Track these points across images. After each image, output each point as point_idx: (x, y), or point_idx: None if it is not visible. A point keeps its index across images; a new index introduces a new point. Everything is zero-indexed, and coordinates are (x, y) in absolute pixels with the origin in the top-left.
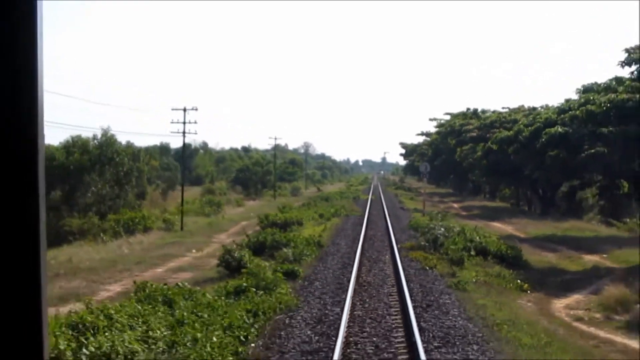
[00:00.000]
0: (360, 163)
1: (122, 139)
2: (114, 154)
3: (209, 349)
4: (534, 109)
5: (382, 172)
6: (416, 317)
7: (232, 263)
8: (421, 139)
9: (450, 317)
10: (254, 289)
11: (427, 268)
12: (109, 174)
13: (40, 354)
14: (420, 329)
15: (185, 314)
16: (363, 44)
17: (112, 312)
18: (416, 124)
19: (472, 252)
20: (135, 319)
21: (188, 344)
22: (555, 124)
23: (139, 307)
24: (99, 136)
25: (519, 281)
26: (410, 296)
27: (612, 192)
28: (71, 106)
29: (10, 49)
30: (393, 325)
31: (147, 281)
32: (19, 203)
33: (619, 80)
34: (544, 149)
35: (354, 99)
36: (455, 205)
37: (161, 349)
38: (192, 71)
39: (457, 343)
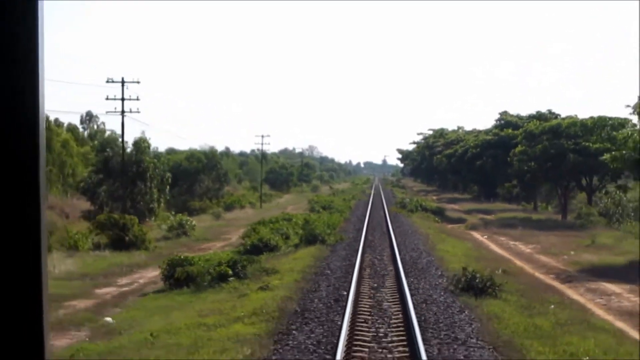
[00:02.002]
0: (362, 165)
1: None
2: (216, 162)
3: (333, 218)
4: (480, 131)
5: (384, 174)
6: (390, 221)
7: (313, 210)
8: (414, 145)
9: (401, 220)
10: (337, 212)
11: (398, 213)
12: (213, 174)
13: (41, 355)
14: (391, 221)
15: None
16: (364, 48)
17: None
18: (415, 126)
19: (419, 209)
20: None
21: (322, 217)
22: (474, 147)
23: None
24: (207, 149)
25: (436, 219)
26: (390, 218)
27: (517, 185)
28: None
29: (11, 49)
30: (382, 222)
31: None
32: (20, 203)
33: (495, 127)
34: (469, 160)
35: (356, 102)
36: (434, 197)
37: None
38: (198, 73)
39: (400, 223)
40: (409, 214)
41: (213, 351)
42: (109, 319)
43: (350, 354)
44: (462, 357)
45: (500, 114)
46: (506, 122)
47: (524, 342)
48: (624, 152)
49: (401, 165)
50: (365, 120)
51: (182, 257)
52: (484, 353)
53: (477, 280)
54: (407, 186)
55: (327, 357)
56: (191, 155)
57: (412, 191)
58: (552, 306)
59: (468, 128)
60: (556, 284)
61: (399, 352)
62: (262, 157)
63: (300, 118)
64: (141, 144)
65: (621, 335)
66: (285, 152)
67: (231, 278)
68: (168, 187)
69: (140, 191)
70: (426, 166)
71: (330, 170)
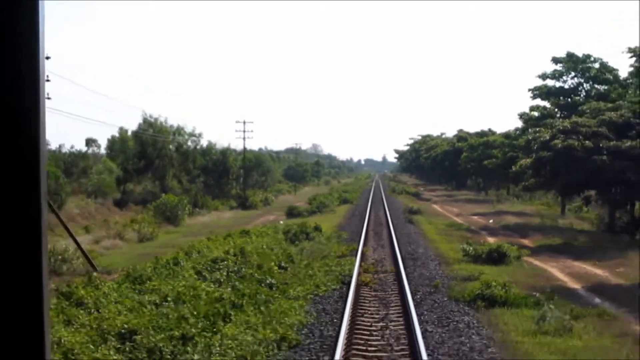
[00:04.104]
0: (363, 162)
1: None
2: (262, 162)
3: (352, 195)
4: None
5: (383, 170)
6: (385, 198)
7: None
8: (407, 147)
9: (392, 199)
10: (353, 193)
11: (390, 195)
12: (260, 170)
13: (42, 355)
14: (385, 197)
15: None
16: (366, 50)
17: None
18: (413, 123)
19: (404, 192)
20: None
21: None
22: (441, 153)
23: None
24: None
25: (412, 198)
26: (385, 198)
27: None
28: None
29: (13, 49)
30: (380, 195)
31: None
32: (21, 201)
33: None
34: (439, 162)
35: (357, 101)
36: (421, 188)
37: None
38: (199, 72)
39: (390, 200)
40: (397, 195)
41: (332, 217)
42: (281, 222)
43: (370, 219)
44: (400, 217)
45: (457, 131)
46: (460, 136)
47: (420, 221)
48: (493, 159)
49: (398, 163)
50: (366, 118)
51: (294, 205)
52: (405, 222)
53: (413, 209)
54: (401, 180)
55: (364, 219)
56: (244, 157)
57: (405, 184)
58: (440, 217)
59: (452, 131)
60: (452, 216)
61: (383, 219)
62: (295, 158)
63: (303, 116)
64: (226, 152)
65: (457, 221)
66: (291, 151)
67: (317, 213)
68: (242, 179)
69: (225, 182)
70: (415, 165)
71: (335, 167)
